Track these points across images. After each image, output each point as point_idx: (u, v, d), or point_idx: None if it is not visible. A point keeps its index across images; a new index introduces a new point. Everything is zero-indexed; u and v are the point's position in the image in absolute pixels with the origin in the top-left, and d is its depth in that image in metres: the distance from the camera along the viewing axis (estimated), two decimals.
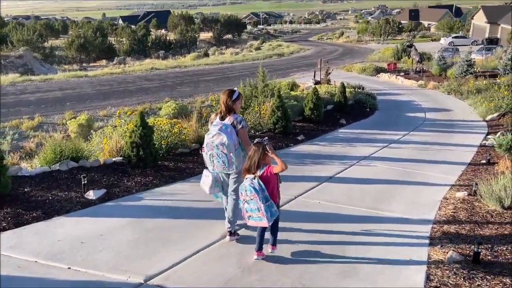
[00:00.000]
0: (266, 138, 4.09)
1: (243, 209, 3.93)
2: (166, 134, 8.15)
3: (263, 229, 4.01)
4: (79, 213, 5.10)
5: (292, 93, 15.61)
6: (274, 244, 4.13)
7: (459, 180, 7.19)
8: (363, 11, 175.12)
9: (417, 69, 24.95)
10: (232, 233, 4.47)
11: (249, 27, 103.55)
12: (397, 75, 24.66)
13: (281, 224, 4.20)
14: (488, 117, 13.83)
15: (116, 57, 51.13)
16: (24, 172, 6.17)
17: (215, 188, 4.46)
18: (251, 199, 3.79)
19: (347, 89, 16.98)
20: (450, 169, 8.04)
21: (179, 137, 8.37)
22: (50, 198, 5.39)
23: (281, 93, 14.31)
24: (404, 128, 12.33)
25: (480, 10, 56.45)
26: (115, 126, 8.57)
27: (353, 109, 14.91)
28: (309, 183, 6.66)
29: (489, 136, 11.44)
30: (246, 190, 3.82)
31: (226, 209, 4.55)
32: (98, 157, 7.76)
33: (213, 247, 4.37)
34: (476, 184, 6.12)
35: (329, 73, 20.96)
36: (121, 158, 7.09)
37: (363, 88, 18.74)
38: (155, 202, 5.61)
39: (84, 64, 47.67)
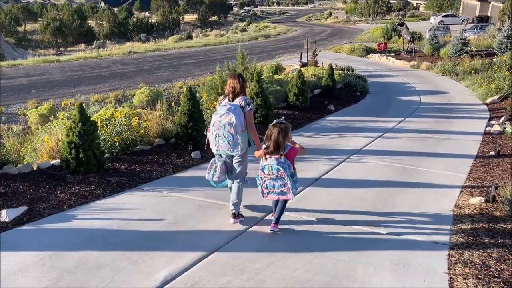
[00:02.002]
0: (283, 117, 4.18)
1: (262, 186, 4.02)
2: (121, 129, 6.83)
3: (277, 202, 4.18)
4: None
5: (276, 76, 14.27)
6: (277, 222, 4.21)
7: (469, 179, 6.02)
8: None
9: (409, 49, 23.69)
10: (236, 215, 4.40)
11: (235, 9, 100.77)
12: (388, 56, 23.42)
13: (252, 256, 3.47)
14: (489, 100, 12.70)
15: (95, 41, 48.93)
16: None
17: (216, 174, 4.35)
18: (277, 177, 3.89)
19: (336, 72, 15.69)
20: (456, 164, 6.88)
21: (137, 132, 7.05)
22: None
23: (263, 77, 13.02)
24: (399, 114, 11.13)
25: None
26: (62, 119, 7.20)
27: (342, 93, 13.67)
28: None
29: (492, 122, 10.33)
30: (272, 169, 3.89)
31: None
32: (35, 159, 6.44)
33: None
34: (496, 187, 4.94)
35: (317, 55, 19.61)
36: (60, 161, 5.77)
37: (352, 70, 17.46)
38: (90, 223, 4.34)
39: (61, 49, 45.46)
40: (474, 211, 4.73)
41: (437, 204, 4.99)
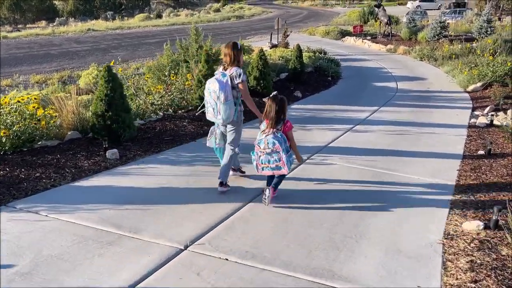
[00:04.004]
0: (276, 92, 4.13)
1: (257, 161, 4.02)
2: (12, 120, 5.20)
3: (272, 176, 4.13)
4: None
5: None
6: (275, 188, 4.16)
7: (459, 190, 4.70)
8: None
9: (385, 32, 22.45)
10: (223, 184, 4.39)
11: None
12: (364, 39, 22.10)
13: None
14: (470, 88, 11.52)
15: (57, 18, 45.74)
16: None
17: (217, 141, 4.51)
18: (273, 151, 3.89)
19: (306, 54, 14.26)
20: (440, 166, 5.57)
21: (37, 123, 5.42)
22: None
23: (221, 57, 11.46)
24: (373, 102, 9.81)
25: None
26: None
27: (312, 77, 12.24)
28: (227, 205, 4.00)
29: (476, 113, 9.14)
30: (268, 143, 3.89)
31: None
32: None
33: None
34: (500, 209, 3.61)
35: (287, 36, 18.09)
36: None
37: (325, 53, 16.02)
38: None
39: (19, 26, 42.22)
40: (472, 244, 3.39)
41: (420, 233, 3.62)
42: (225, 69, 4.33)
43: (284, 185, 4.61)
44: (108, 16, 48.16)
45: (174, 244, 3.26)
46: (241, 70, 4.28)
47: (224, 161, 4.41)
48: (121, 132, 5.68)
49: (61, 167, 4.81)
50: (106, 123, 5.59)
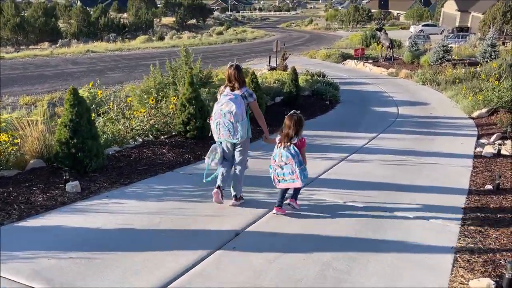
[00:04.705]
0: (299, 111, 4.25)
1: (274, 174, 4.19)
2: None
3: (286, 190, 4.31)
4: None
5: None
6: (295, 198, 4.36)
7: (465, 236, 4.05)
8: (333, 0, 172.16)
9: (387, 56, 22.06)
10: (237, 198, 4.55)
11: (216, 13, 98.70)
12: (365, 62, 21.73)
13: None
14: (475, 114, 10.96)
15: (60, 40, 46.02)
16: None
17: (214, 160, 4.41)
18: (286, 164, 4.05)
19: (304, 77, 13.85)
20: (443, 204, 4.94)
21: None
22: None
23: (214, 80, 11.00)
24: (372, 128, 9.24)
25: None
26: None
27: (309, 102, 11.75)
28: (191, 253, 3.38)
29: (482, 141, 8.54)
30: (281, 156, 4.08)
31: (221, 177, 4.46)
32: None
33: None
34: None
35: (286, 58, 17.71)
36: None
37: (324, 76, 15.57)
38: None
39: (22, 47, 42.49)
40: None
41: None
42: (232, 90, 4.38)
43: (262, 227, 4.00)
44: (110, 38, 48.50)
45: None
46: (251, 90, 4.46)
47: (234, 181, 4.51)
48: (87, 162, 5.11)
49: (10, 202, 4.23)
50: (70, 151, 5.04)
